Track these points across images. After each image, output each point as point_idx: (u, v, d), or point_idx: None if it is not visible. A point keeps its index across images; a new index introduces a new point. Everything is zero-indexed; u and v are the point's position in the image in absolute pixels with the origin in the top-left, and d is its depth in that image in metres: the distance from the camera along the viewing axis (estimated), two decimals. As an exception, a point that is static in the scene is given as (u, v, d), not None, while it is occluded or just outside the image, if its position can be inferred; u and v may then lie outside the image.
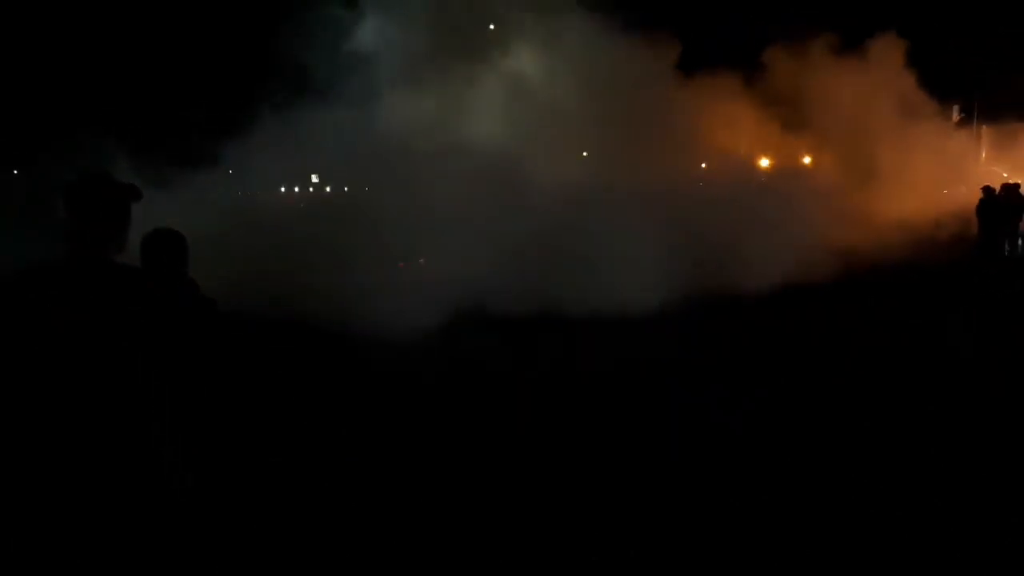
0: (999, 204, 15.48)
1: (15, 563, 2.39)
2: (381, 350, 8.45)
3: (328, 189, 19.81)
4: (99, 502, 2.41)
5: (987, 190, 15.80)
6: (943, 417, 6.45)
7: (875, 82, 19.45)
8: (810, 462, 5.50)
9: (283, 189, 20.93)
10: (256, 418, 5.87)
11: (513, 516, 4.70)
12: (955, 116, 40.46)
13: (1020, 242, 16.60)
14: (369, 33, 13.71)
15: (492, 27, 15.01)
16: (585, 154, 14.56)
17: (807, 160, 29.02)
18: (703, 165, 18.46)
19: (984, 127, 36.86)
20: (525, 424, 6.39)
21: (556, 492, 5.05)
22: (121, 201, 2.60)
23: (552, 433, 6.23)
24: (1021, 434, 6.07)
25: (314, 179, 21.50)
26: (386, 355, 8.36)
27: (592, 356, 8.78)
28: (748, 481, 5.20)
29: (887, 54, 20.18)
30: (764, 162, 33.03)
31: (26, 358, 2.40)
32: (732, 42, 18.04)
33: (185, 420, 2.66)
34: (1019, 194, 15.72)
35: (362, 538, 4.44)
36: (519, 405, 6.92)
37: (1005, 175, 20.14)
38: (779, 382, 7.66)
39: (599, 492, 5.05)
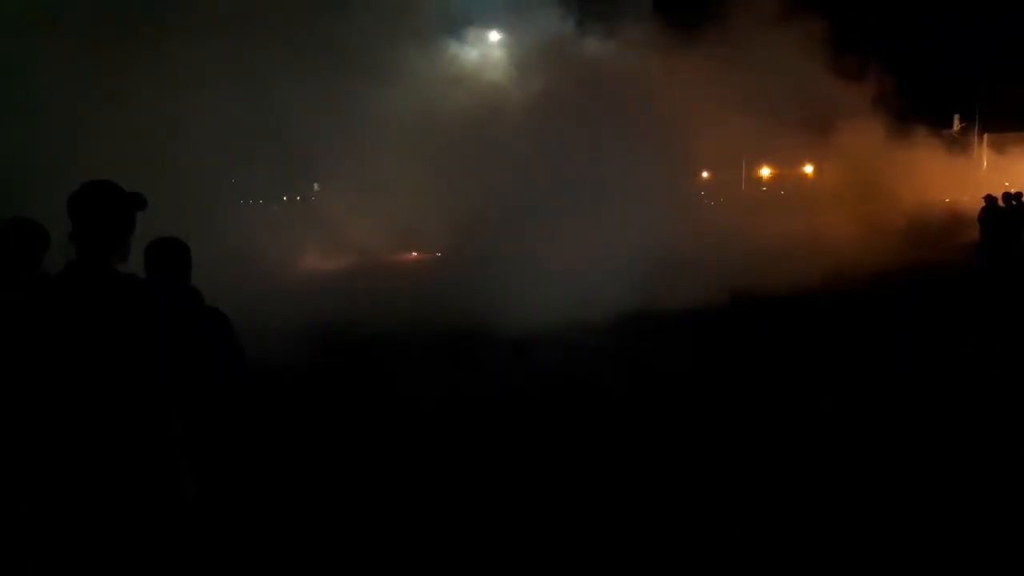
0: (1000, 212, 15.57)
1: (22, 566, 2.40)
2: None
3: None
4: (108, 515, 2.41)
5: (989, 198, 15.90)
6: (946, 419, 6.46)
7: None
8: (808, 467, 5.51)
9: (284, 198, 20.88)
10: (257, 426, 5.87)
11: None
12: (956, 125, 40.55)
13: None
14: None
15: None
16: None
17: (808, 168, 29.10)
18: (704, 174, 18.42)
19: (986, 135, 36.90)
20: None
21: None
22: (125, 210, 2.60)
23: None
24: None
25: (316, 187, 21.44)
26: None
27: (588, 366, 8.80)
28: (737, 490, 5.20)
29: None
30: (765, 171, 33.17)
31: (33, 371, 2.40)
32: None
33: (191, 429, 2.66)
34: (1020, 202, 15.77)
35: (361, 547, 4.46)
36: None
37: (1007, 184, 20.17)
38: (779, 388, 7.67)
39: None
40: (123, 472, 2.43)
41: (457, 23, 14.36)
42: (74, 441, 2.40)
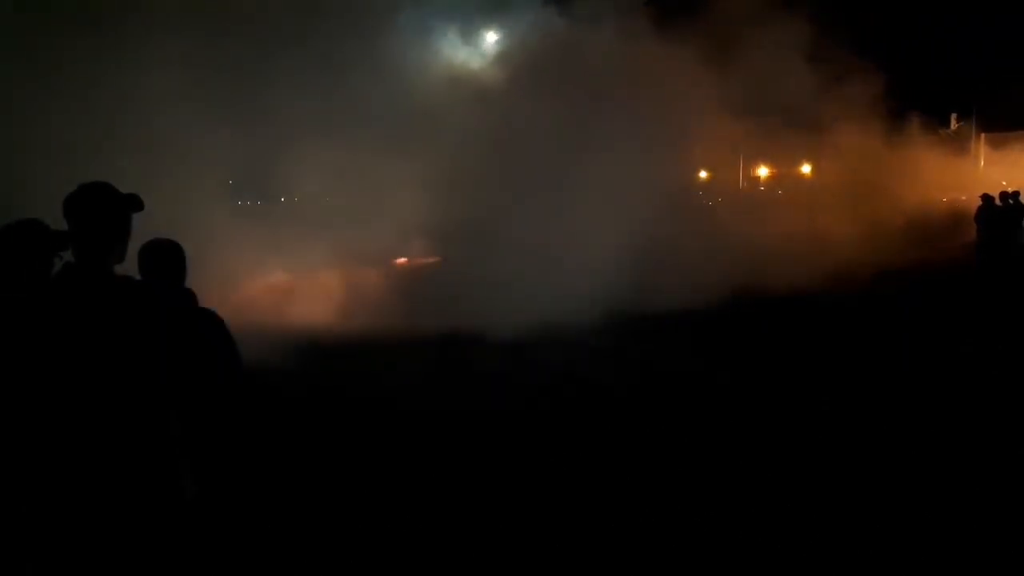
0: (998, 210, 15.60)
1: (22, 566, 2.40)
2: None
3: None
4: (108, 515, 2.41)
5: (986, 197, 15.92)
6: (946, 419, 6.46)
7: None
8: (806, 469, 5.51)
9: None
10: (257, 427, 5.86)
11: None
12: (953, 124, 40.59)
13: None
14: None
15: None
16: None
17: (806, 168, 29.12)
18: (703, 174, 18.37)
19: (983, 134, 36.91)
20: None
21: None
22: (122, 211, 2.59)
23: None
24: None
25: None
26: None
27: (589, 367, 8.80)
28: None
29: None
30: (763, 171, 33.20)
31: (34, 372, 2.40)
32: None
33: (191, 429, 2.66)
34: (1017, 201, 15.80)
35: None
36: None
37: (1004, 183, 20.17)
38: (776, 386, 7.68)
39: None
40: (123, 472, 2.43)
41: (449, 21, 14.34)
42: (74, 441, 2.40)
